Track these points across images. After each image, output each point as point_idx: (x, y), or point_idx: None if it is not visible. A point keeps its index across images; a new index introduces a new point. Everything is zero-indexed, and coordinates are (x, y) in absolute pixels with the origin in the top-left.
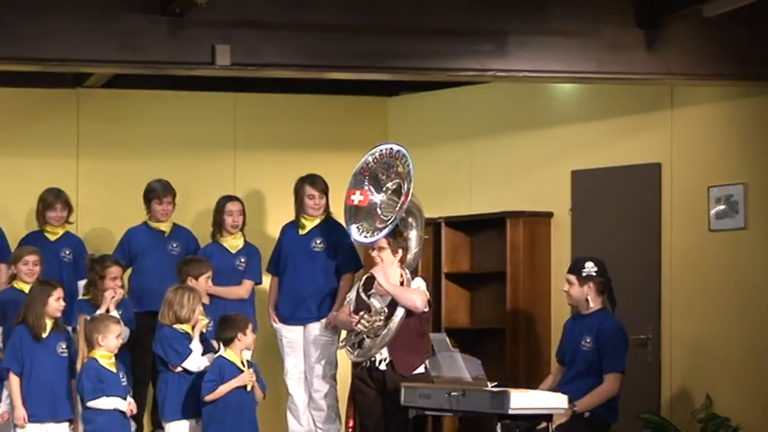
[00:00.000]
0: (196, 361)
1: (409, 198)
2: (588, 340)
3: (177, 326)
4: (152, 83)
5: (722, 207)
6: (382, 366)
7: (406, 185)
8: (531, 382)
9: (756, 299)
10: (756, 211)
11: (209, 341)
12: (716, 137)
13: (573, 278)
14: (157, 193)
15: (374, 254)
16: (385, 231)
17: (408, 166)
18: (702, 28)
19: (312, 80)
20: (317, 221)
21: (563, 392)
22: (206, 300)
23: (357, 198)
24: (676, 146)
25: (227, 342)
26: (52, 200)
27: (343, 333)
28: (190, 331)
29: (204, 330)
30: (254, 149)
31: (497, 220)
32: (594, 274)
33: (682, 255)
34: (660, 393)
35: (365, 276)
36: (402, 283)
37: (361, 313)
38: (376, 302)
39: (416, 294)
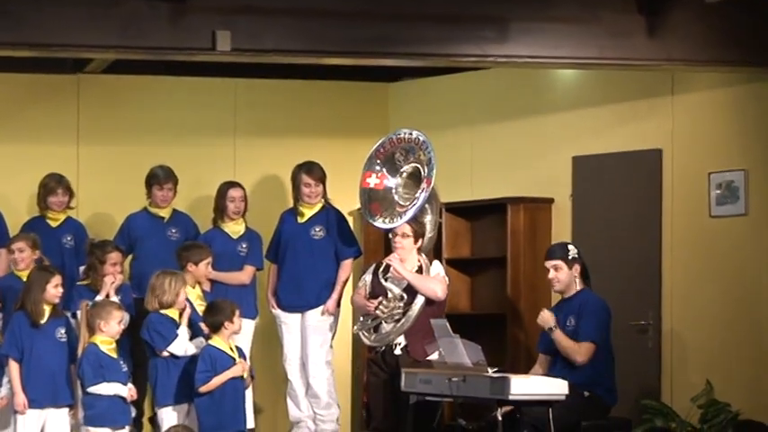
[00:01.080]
0: (182, 345)
1: (432, 183)
2: (572, 320)
3: (163, 311)
4: (153, 68)
5: (723, 193)
6: (397, 351)
7: (426, 171)
8: (532, 368)
9: (756, 284)
10: (757, 198)
11: (199, 325)
12: (716, 123)
13: (560, 263)
14: (159, 178)
15: (397, 239)
16: (406, 217)
17: (430, 153)
18: (703, 14)
19: (313, 66)
20: (316, 209)
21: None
22: (207, 286)
23: (373, 181)
24: (677, 132)
25: (215, 329)
26: (54, 185)
27: (345, 317)
28: (176, 317)
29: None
30: (254, 135)
31: (498, 205)
32: (577, 255)
33: (682, 241)
34: (660, 379)
35: (384, 263)
36: (420, 269)
37: (380, 299)
38: (394, 288)
39: (436, 283)
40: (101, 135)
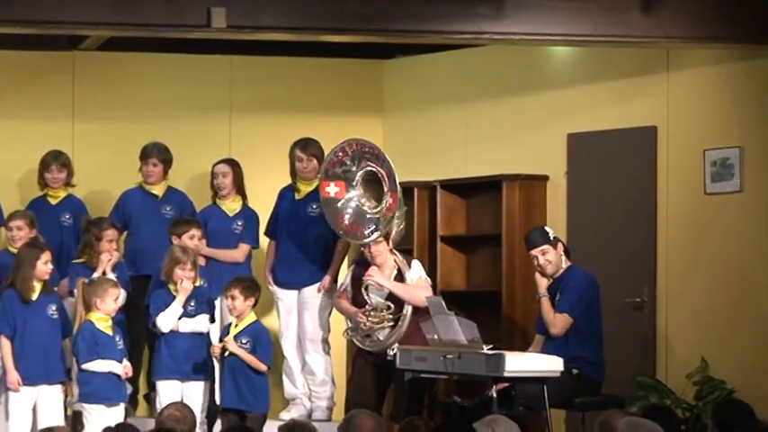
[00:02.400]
0: (167, 320)
1: (399, 196)
2: (559, 297)
3: (170, 287)
4: (148, 45)
5: (718, 170)
6: (390, 357)
7: (389, 183)
8: (527, 345)
9: (752, 262)
10: (752, 175)
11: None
12: (712, 100)
13: (546, 247)
14: (144, 153)
15: (372, 249)
16: (379, 232)
17: (379, 154)
18: None
19: (308, 43)
20: (313, 186)
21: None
22: (201, 261)
23: (333, 190)
24: (672, 109)
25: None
26: (49, 161)
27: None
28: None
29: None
30: (249, 112)
31: (493, 183)
32: (556, 234)
33: (677, 218)
34: (655, 356)
35: (365, 281)
36: (399, 270)
37: (367, 310)
38: (377, 299)
39: (421, 290)
40: (96, 112)
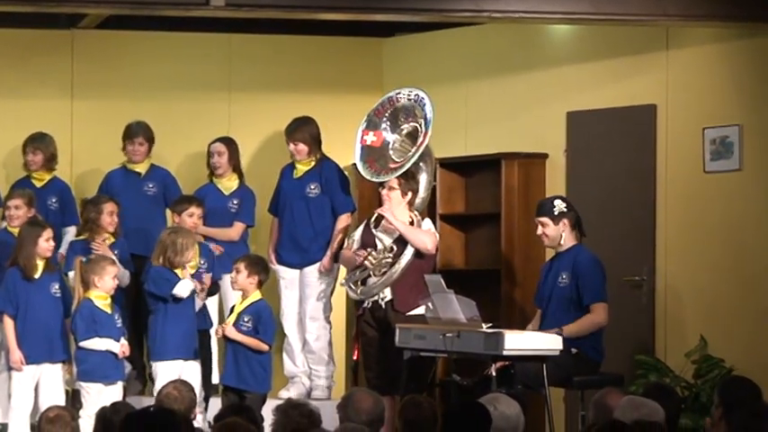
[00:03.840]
0: (186, 286)
1: (427, 140)
2: (564, 276)
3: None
4: (147, 24)
5: (717, 148)
6: (383, 305)
7: (423, 128)
8: (526, 324)
9: (751, 240)
10: (751, 153)
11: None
12: (711, 78)
13: (546, 220)
14: (129, 133)
15: (384, 192)
16: (399, 171)
17: (426, 110)
18: None
19: (307, 21)
20: (310, 165)
21: None
22: (199, 238)
23: (370, 138)
24: (671, 87)
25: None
26: (27, 143)
27: (342, 271)
28: (179, 272)
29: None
30: (248, 91)
31: (492, 161)
32: (565, 210)
33: (676, 196)
34: (654, 335)
35: (375, 213)
36: (412, 224)
37: (369, 250)
38: (385, 239)
39: (427, 236)
40: (95, 90)
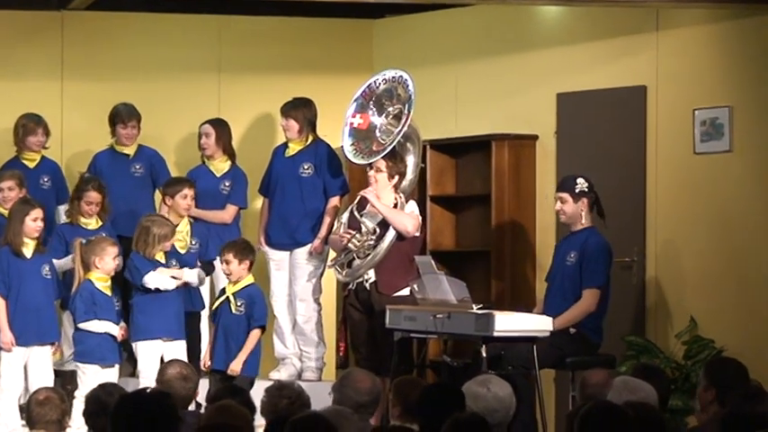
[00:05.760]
0: (157, 279)
1: (409, 121)
2: (572, 255)
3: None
4: (137, 5)
5: (707, 130)
6: (367, 286)
7: (406, 109)
8: (516, 305)
9: (740, 221)
10: (741, 134)
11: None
12: (701, 60)
13: (566, 196)
14: (122, 116)
15: (370, 174)
16: (383, 153)
17: (409, 90)
18: None
19: (297, 2)
20: (303, 145)
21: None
22: (189, 214)
23: (357, 121)
24: (662, 69)
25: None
26: (33, 126)
27: (333, 254)
28: (160, 257)
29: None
30: (238, 72)
31: (482, 142)
32: (587, 189)
33: (667, 177)
34: (645, 316)
35: (359, 196)
36: (396, 207)
37: (353, 232)
38: (368, 222)
39: (408, 218)
40: (85, 71)
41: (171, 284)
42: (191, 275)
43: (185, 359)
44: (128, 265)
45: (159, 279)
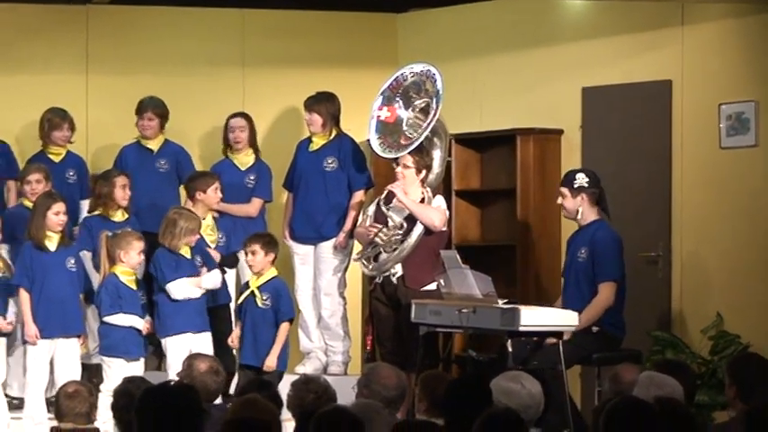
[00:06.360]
0: (181, 289)
1: (437, 116)
2: (583, 251)
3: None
4: None
5: (733, 124)
6: (394, 281)
7: (434, 103)
8: (541, 299)
9: (766, 215)
10: (767, 129)
11: (210, 255)
12: (727, 54)
13: (565, 190)
14: (139, 108)
15: (398, 170)
16: (410, 148)
17: (437, 85)
18: None
19: None
20: (327, 139)
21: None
22: (217, 208)
23: (384, 114)
24: (687, 63)
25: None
26: (59, 121)
27: (357, 247)
28: (186, 253)
29: (213, 245)
30: (262, 66)
31: (507, 137)
32: (586, 185)
33: (692, 172)
34: (670, 311)
35: (386, 190)
36: (423, 201)
37: (380, 226)
38: (395, 216)
39: (435, 213)
40: (109, 65)
41: (196, 293)
42: (209, 281)
43: (212, 351)
44: (153, 261)
45: (184, 290)
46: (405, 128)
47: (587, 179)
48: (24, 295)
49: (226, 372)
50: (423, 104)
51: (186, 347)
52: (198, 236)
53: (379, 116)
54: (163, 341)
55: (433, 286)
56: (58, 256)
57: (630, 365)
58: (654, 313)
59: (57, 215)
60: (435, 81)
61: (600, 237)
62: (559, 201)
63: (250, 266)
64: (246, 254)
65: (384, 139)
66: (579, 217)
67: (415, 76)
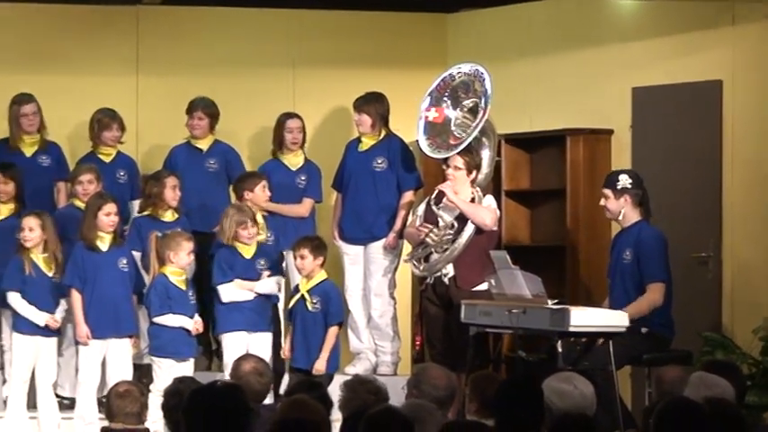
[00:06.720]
0: (229, 293)
1: (486, 116)
2: (627, 253)
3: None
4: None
5: None
6: (446, 281)
7: (483, 103)
8: (591, 300)
9: None
10: None
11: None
12: None
13: (608, 192)
14: (190, 107)
15: (449, 171)
16: (459, 148)
17: (486, 85)
18: None
19: None
20: (377, 139)
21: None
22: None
23: (432, 115)
24: (738, 63)
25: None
26: (108, 121)
27: (407, 249)
28: (246, 253)
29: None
30: (312, 67)
31: (557, 137)
32: (629, 186)
33: (743, 172)
34: (721, 312)
35: (436, 190)
36: (473, 201)
37: (430, 226)
38: (445, 216)
39: (486, 212)
40: (160, 66)
41: (246, 296)
42: (265, 287)
43: (269, 351)
44: (215, 260)
45: (231, 293)
46: (453, 128)
47: (631, 180)
48: (76, 296)
49: (274, 372)
50: (471, 104)
51: (242, 346)
52: (253, 231)
53: (426, 117)
54: (220, 338)
55: (484, 286)
56: (110, 257)
57: (674, 366)
58: (704, 314)
59: (108, 216)
60: (484, 81)
61: (645, 237)
62: (602, 202)
63: (299, 270)
64: (295, 257)
65: (433, 139)
66: (621, 218)
67: (463, 76)
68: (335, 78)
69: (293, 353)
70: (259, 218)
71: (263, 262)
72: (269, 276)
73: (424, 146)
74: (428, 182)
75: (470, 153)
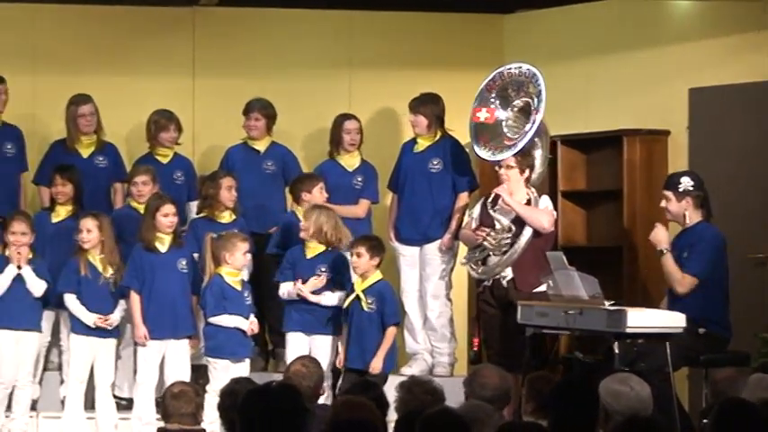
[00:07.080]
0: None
1: (541, 115)
2: (686, 254)
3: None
4: (268, 1)
5: None
6: (505, 284)
7: (536, 103)
8: (648, 301)
9: None
10: None
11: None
12: None
13: (670, 194)
14: (247, 108)
15: (501, 172)
16: (515, 149)
17: (540, 86)
18: None
19: None
20: (432, 141)
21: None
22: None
23: (483, 115)
24: None
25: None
26: (165, 122)
27: (462, 250)
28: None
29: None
30: (369, 68)
31: (614, 137)
32: (691, 188)
33: None
34: None
35: (492, 193)
36: (529, 202)
37: (488, 230)
38: (502, 219)
39: (543, 215)
40: (216, 68)
41: (289, 292)
42: (330, 300)
43: (328, 354)
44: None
45: (285, 291)
46: (505, 129)
47: (692, 183)
48: (134, 297)
49: (333, 373)
50: (522, 104)
51: (302, 346)
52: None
53: (477, 117)
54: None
55: (543, 288)
56: (169, 258)
57: (727, 368)
58: (762, 315)
59: (166, 217)
60: (537, 81)
61: (702, 235)
62: (663, 204)
63: (354, 268)
64: (352, 254)
65: (486, 142)
66: (686, 220)
67: (513, 76)
68: (391, 79)
69: (348, 353)
70: None
71: (323, 268)
72: (326, 281)
73: (479, 150)
74: (483, 183)
75: (522, 153)
